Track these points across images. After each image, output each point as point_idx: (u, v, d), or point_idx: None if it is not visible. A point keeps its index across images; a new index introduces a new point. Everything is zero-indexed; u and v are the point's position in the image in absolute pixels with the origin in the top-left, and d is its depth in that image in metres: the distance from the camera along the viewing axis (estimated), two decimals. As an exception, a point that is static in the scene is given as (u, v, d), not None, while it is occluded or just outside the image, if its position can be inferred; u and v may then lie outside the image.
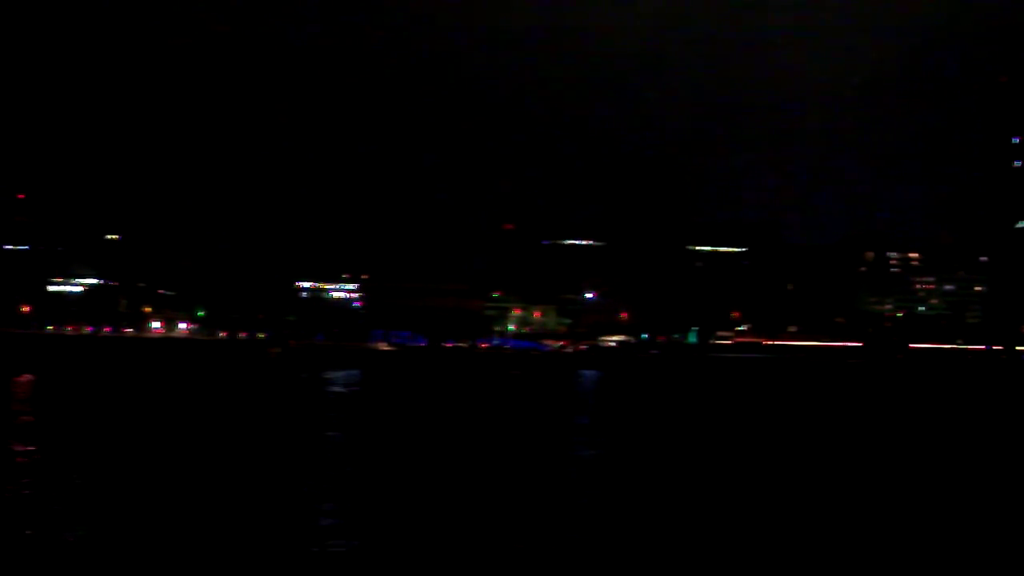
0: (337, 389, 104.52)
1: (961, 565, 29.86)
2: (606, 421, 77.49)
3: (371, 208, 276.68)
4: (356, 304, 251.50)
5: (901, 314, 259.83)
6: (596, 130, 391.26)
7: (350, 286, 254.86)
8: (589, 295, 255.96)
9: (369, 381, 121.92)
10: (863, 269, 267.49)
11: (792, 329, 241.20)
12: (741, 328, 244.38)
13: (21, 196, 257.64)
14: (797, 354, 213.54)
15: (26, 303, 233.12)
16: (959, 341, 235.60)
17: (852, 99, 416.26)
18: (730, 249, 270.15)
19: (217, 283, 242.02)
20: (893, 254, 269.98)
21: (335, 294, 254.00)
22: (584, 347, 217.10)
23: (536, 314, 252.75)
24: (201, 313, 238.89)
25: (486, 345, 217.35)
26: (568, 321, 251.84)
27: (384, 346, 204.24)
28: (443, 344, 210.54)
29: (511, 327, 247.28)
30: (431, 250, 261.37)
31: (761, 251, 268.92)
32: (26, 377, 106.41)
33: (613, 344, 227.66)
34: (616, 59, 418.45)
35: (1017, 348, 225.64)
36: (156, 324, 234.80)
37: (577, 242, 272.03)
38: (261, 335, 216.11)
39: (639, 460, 52.68)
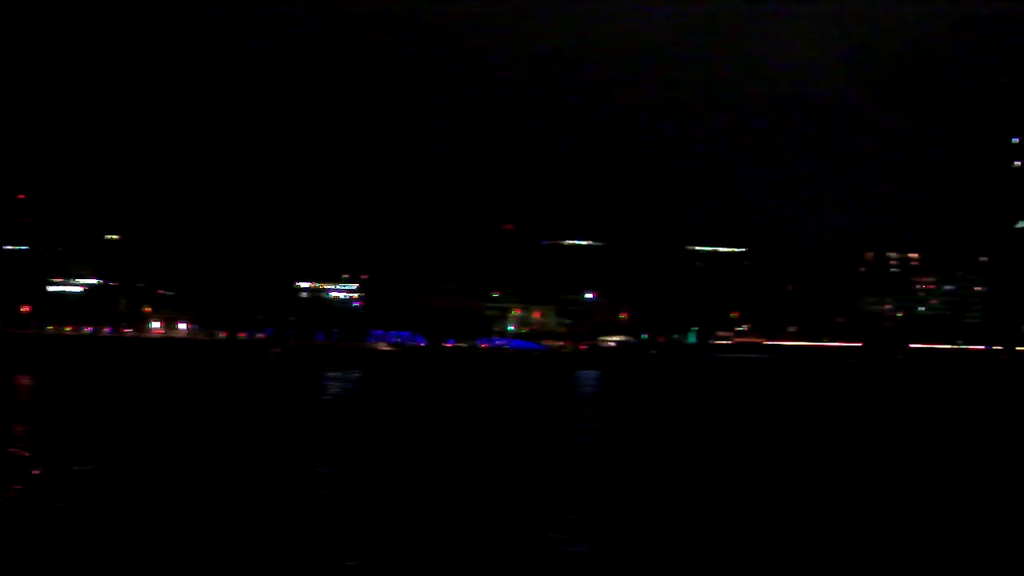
0: (336, 389, 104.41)
1: (961, 564, 29.84)
2: (605, 422, 77.42)
3: (371, 208, 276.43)
4: (356, 304, 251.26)
5: (901, 314, 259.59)
6: (597, 130, 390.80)
7: (350, 286, 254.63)
8: (589, 295, 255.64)
9: (368, 381, 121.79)
10: (863, 269, 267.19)
11: (792, 329, 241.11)
12: (741, 328, 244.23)
13: (21, 196, 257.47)
14: (797, 354, 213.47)
15: (26, 303, 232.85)
16: (959, 341, 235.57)
17: (853, 99, 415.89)
18: (730, 249, 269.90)
19: (217, 283, 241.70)
20: (893, 254, 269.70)
21: (335, 294, 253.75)
22: (584, 347, 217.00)
23: (536, 314, 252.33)
24: (201, 313, 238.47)
25: (486, 345, 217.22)
26: (568, 321, 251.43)
27: (384, 346, 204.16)
28: (443, 344, 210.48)
29: (511, 327, 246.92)
30: (431, 250, 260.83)
31: (761, 251, 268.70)
32: (26, 378, 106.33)
33: (613, 344, 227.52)
34: (617, 59, 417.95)
35: (1017, 348, 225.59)
36: (156, 324, 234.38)
37: (577, 242, 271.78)
38: (261, 335, 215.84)
39: (636, 460, 52.64)
